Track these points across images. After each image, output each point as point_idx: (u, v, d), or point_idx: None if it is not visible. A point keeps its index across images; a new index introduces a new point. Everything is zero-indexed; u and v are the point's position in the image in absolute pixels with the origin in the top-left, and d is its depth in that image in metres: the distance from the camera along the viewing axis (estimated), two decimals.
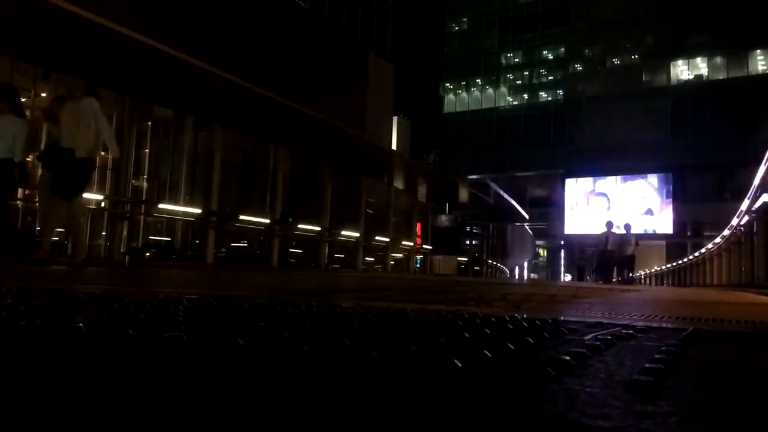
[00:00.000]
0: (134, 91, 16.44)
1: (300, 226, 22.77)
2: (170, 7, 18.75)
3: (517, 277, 44.93)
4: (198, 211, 18.47)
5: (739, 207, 12.62)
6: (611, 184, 45.73)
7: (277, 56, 23.30)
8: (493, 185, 45.51)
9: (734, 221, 13.12)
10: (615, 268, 17.96)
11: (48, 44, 13.41)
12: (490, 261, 44.92)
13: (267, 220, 21.16)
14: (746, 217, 11.62)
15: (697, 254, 22.26)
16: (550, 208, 49.04)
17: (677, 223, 43.22)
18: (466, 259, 42.67)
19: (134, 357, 0.97)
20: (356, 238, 26.54)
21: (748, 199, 11.47)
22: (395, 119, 37.36)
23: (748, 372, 1.05)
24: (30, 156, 8.03)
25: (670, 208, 43.54)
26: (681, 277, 24.93)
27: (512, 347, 1.09)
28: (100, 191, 16.26)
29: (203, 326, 1.36)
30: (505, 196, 44.34)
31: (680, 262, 26.38)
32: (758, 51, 42.50)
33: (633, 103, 45.07)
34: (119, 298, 2.10)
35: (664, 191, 44.00)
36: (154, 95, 17.20)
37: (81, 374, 0.82)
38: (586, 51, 49.64)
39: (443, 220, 41.36)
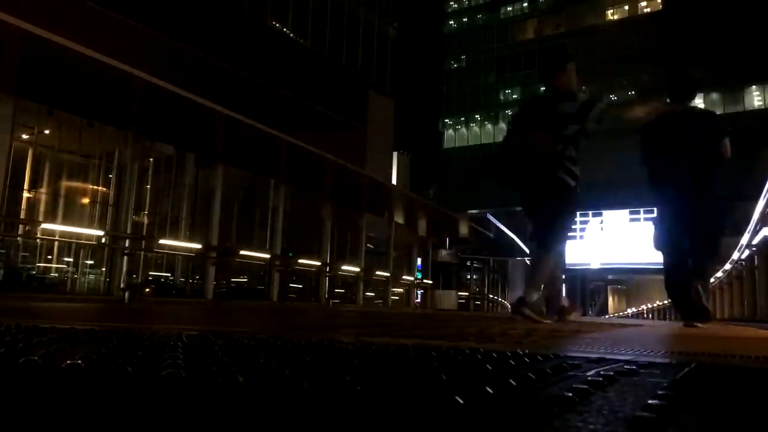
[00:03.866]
0: (136, 128, 16.61)
1: (300, 260, 22.73)
2: (172, 45, 19.07)
3: None
4: (198, 246, 18.47)
5: (739, 241, 12.61)
6: (611, 217, 45.83)
7: (278, 93, 23.60)
8: (493, 219, 45.53)
9: (735, 255, 13.10)
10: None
11: (51, 82, 13.61)
12: (490, 296, 44.73)
13: (267, 255, 21.14)
14: (747, 251, 11.61)
15: None
16: None
17: None
18: (466, 293, 42.52)
19: (133, 394, 0.97)
20: (357, 272, 26.47)
21: (748, 233, 11.48)
22: (395, 154, 37.64)
23: (754, 409, 1.04)
24: None
25: None
26: None
27: (514, 383, 1.08)
28: (100, 227, 16.29)
29: (202, 363, 1.36)
30: (505, 230, 44.32)
31: None
32: (753, 87, 43.09)
33: (631, 139, 45.46)
34: (118, 335, 2.09)
35: None
36: (156, 132, 17.38)
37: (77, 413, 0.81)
38: (583, 87, 50.30)
39: (444, 254, 41.29)
